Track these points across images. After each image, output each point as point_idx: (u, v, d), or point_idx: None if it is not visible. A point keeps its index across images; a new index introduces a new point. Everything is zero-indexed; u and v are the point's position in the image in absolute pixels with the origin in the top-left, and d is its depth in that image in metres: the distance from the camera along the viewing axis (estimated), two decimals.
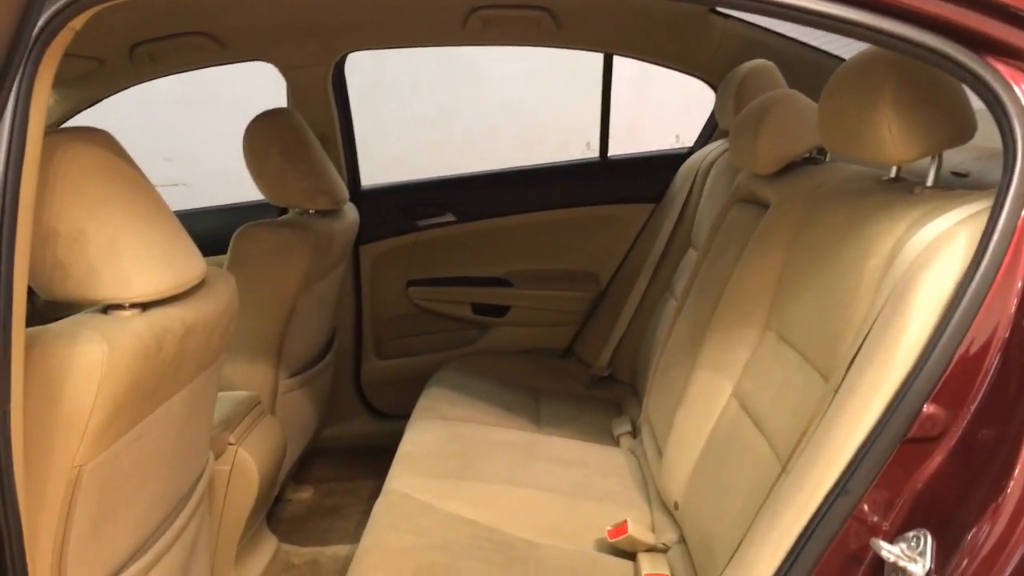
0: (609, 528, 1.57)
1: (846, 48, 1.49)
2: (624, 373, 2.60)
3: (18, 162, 0.89)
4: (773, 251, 1.53)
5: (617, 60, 2.71)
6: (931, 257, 0.95)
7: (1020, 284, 0.87)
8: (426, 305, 2.81)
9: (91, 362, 1.02)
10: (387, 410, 2.79)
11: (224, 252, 1.97)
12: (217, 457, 1.74)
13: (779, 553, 0.96)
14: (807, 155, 1.72)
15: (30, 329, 0.99)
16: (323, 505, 2.48)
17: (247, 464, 1.80)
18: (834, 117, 1.27)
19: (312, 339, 2.31)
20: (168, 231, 1.19)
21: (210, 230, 1.99)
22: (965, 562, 0.80)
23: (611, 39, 2.58)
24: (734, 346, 1.54)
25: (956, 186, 1.25)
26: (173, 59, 2.36)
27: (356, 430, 2.77)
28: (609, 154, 2.84)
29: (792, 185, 1.61)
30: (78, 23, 0.94)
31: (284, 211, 2.47)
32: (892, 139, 1.13)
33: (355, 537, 1.60)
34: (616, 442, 2.15)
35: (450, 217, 2.77)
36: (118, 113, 2.25)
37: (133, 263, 1.11)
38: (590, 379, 2.61)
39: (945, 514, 0.85)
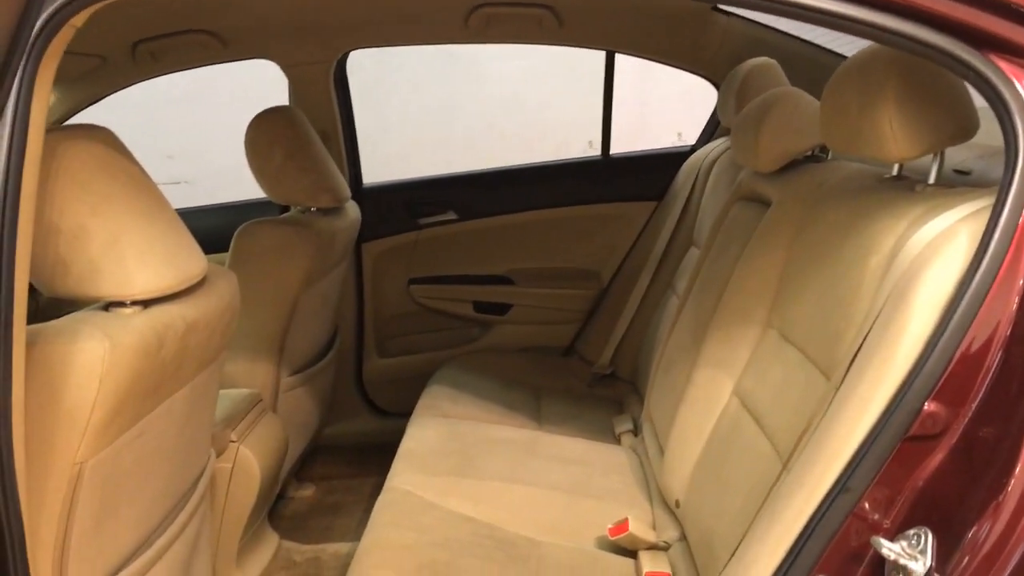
0: (610, 526, 1.57)
1: (848, 45, 1.49)
2: (625, 371, 2.60)
3: (19, 160, 0.89)
4: (775, 249, 1.53)
5: (619, 58, 2.71)
6: (932, 255, 0.95)
7: (1021, 282, 0.87)
8: (428, 303, 2.81)
9: (92, 359, 1.02)
10: (389, 408, 2.79)
11: (226, 250, 1.97)
12: (219, 455, 1.74)
13: (780, 551, 0.96)
14: (809, 153, 1.72)
15: (31, 326, 0.99)
16: (325, 503, 2.48)
17: (249, 462, 1.81)
18: (836, 115, 1.26)
19: (314, 337, 2.31)
20: (170, 228, 1.19)
21: (212, 228, 2.00)
22: (966, 560, 0.80)
23: (613, 37, 2.57)
24: (735, 344, 1.54)
25: (958, 184, 1.24)
26: (175, 57, 2.36)
27: (358, 428, 2.77)
28: (611, 152, 2.84)
29: (794, 183, 1.61)
30: (79, 20, 0.94)
31: (286, 209, 2.47)
32: (894, 137, 1.13)
33: (356, 535, 1.60)
34: (617, 440, 2.15)
35: (452, 215, 2.77)
36: (120, 111, 2.25)
37: (135, 260, 1.11)
38: (591, 377, 2.60)
39: (946, 512, 0.85)
